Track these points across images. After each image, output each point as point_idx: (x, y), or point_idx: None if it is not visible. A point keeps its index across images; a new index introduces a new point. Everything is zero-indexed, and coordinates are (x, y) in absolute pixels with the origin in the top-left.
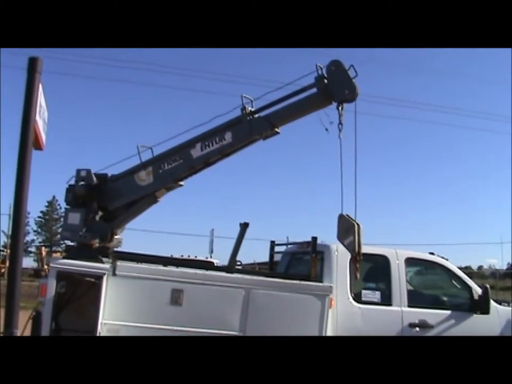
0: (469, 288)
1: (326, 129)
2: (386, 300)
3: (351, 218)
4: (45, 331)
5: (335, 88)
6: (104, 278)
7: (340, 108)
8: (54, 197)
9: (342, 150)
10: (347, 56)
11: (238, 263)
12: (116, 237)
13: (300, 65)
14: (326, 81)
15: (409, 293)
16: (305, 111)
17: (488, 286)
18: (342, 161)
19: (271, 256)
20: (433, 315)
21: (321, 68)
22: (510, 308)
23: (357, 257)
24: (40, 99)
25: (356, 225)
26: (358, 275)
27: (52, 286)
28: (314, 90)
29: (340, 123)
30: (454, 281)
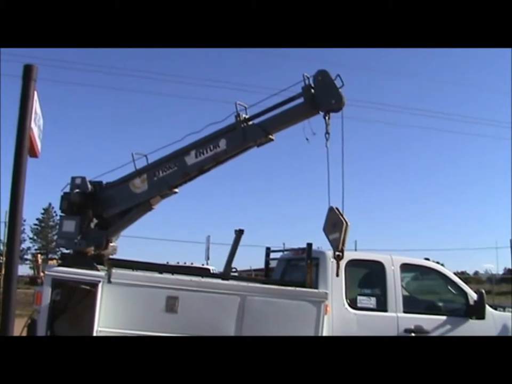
0: (465, 294)
1: (307, 139)
2: (381, 306)
3: (340, 213)
4: None
5: (322, 98)
6: (99, 285)
7: (326, 118)
8: (50, 204)
9: (329, 159)
10: (343, 62)
11: (234, 269)
12: (111, 244)
13: (295, 72)
14: (313, 91)
15: (405, 298)
16: (294, 120)
17: (483, 291)
18: (329, 170)
19: (267, 262)
20: (429, 321)
21: (308, 78)
22: (505, 313)
23: (340, 255)
24: (36, 106)
25: (344, 223)
26: (339, 272)
27: (47, 294)
28: (302, 99)
29: (327, 132)
30: (449, 287)
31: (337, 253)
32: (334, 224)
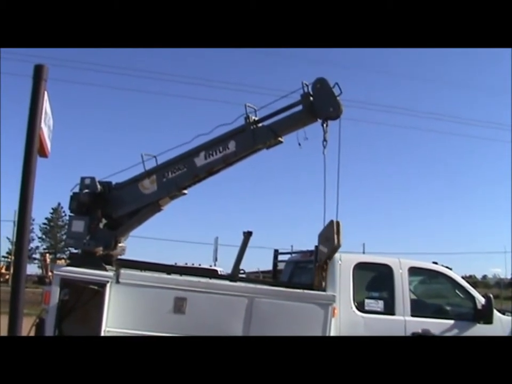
0: (472, 298)
1: (299, 144)
2: (389, 309)
3: (337, 231)
4: None
5: (320, 106)
6: (108, 285)
7: (324, 125)
8: (59, 204)
9: (326, 166)
10: (345, 63)
11: (242, 271)
12: (119, 244)
13: (304, 74)
14: (311, 98)
15: (413, 302)
16: (294, 126)
17: (491, 295)
18: (325, 176)
19: (275, 264)
20: (436, 324)
21: (307, 85)
22: None
23: (324, 266)
24: (46, 106)
25: (335, 244)
26: (324, 283)
27: (55, 293)
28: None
29: (324, 140)
30: (457, 291)
31: (322, 263)
32: (327, 238)
